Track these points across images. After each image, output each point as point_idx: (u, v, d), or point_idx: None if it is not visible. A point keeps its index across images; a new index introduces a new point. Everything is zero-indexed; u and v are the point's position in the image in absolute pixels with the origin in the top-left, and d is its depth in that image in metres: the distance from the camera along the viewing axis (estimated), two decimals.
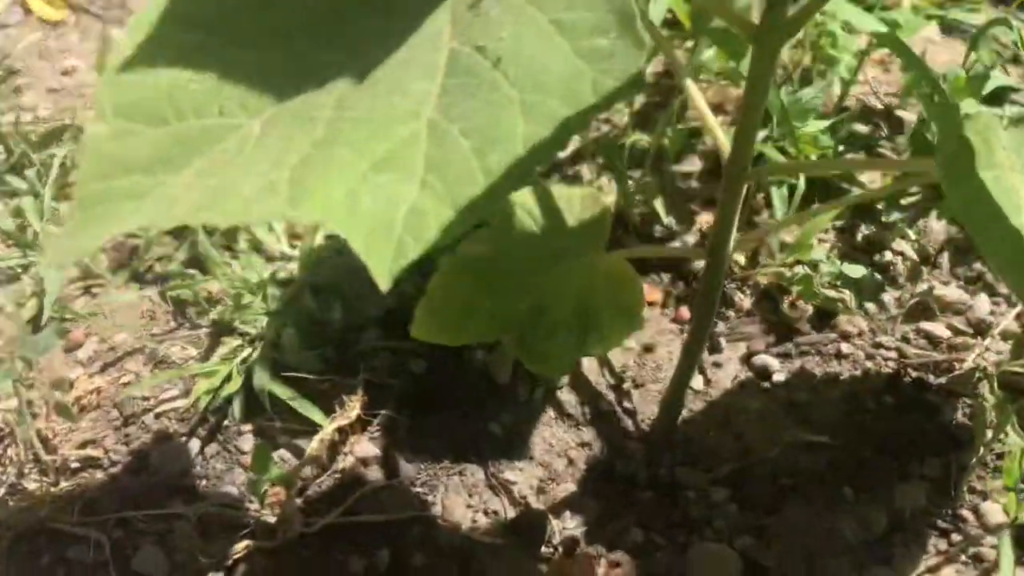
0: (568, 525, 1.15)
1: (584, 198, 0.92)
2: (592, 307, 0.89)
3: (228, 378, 1.17)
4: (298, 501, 1.10)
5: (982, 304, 1.33)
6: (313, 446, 1.04)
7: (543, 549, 1.12)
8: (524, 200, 0.93)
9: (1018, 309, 1.30)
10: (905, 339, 1.31)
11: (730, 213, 0.93)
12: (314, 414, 1.14)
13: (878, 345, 1.31)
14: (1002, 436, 1.15)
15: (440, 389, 1.22)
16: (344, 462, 1.15)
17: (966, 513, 1.13)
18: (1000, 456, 1.17)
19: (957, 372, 1.24)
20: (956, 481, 1.15)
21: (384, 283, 0.40)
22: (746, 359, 1.31)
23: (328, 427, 1.07)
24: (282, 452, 1.15)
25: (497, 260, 0.92)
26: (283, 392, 1.15)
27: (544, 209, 0.92)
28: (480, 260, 0.92)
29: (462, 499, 1.14)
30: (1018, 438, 1.08)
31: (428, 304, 0.91)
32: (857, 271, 1.34)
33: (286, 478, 1.04)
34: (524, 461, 1.20)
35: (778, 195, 1.38)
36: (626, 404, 1.28)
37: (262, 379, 1.15)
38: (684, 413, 1.26)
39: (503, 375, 1.25)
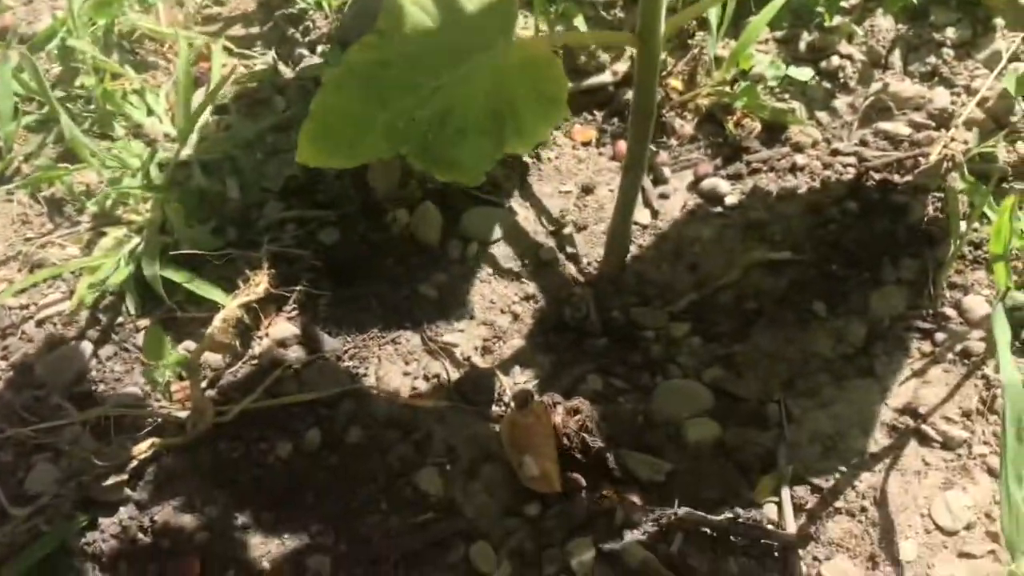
0: (519, 381, 1.03)
1: None
2: (507, 102, 0.76)
3: (115, 271, 1.03)
4: (211, 392, 0.97)
5: (941, 96, 1.22)
6: (216, 325, 0.90)
7: (493, 409, 1.00)
8: None
9: (979, 96, 1.19)
10: (863, 143, 1.20)
11: None
12: (215, 294, 1.00)
13: (835, 152, 1.19)
14: (977, 225, 1.05)
15: (360, 258, 1.09)
16: (259, 346, 1.02)
17: (948, 311, 1.03)
18: (978, 246, 1.07)
19: (923, 167, 1.14)
20: (934, 280, 1.05)
21: None
22: (694, 186, 1.19)
23: (231, 304, 0.93)
24: (188, 344, 1.02)
25: (388, 66, 0.77)
26: (178, 276, 1.01)
27: (439, 1, 0.78)
28: (369, 68, 0.77)
29: (398, 368, 1.02)
30: (996, 213, 0.97)
31: (312, 125, 0.77)
32: (805, 73, 1.22)
33: (188, 364, 0.90)
34: (464, 322, 1.08)
35: (711, 8, 1.24)
36: (569, 249, 1.15)
37: (152, 265, 1.01)
38: (633, 250, 1.14)
39: (431, 235, 1.12)
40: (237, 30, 1.38)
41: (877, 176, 1.15)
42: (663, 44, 0.86)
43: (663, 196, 1.20)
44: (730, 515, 0.89)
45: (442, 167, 0.75)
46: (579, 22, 1.24)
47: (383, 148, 0.75)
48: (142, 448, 0.89)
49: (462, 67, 0.77)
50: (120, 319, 1.03)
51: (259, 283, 0.98)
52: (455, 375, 1.02)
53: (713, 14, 1.23)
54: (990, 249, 0.80)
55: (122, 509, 0.88)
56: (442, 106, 0.76)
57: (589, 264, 1.14)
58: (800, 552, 0.86)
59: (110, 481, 0.86)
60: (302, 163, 0.77)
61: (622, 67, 1.29)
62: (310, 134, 0.76)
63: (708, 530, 0.88)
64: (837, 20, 1.30)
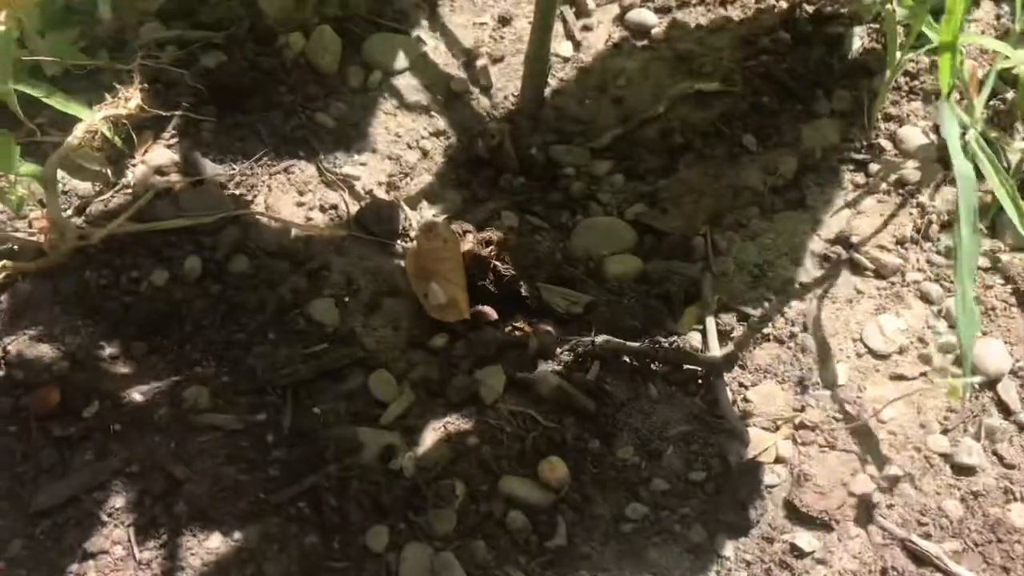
0: (426, 216, 0.94)
1: None
2: None
3: None
4: (79, 220, 0.86)
5: None
6: (77, 132, 0.79)
7: (397, 244, 0.91)
8: None
9: None
10: None
11: None
12: (79, 110, 0.88)
13: None
14: (913, 55, 0.99)
15: (248, 84, 0.97)
16: (133, 174, 0.90)
17: (883, 142, 0.98)
18: (914, 76, 1.01)
19: None
20: (869, 111, 0.99)
21: None
22: (619, 18, 1.10)
23: (94, 116, 0.82)
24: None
25: None
26: (36, 90, 0.88)
27: None
28: None
29: (290, 197, 0.92)
30: (935, 32, 0.91)
31: None
32: None
33: (44, 176, 0.78)
34: (366, 155, 0.98)
35: None
36: (483, 82, 1.06)
37: (5, 79, 0.88)
38: (552, 84, 1.06)
39: (328, 62, 1.01)
40: None
41: (811, 7, 1.08)
42: None
43: (586, 28, 1.11)
44: (650, 342, 0.82)
45: None
46: None
47: None
48: None
49: None
50: None
51: (130, 98, 0.87)
52: (355, 208, 0.92)
53: None
54: (939, 38, 0.73)
55: None
56: None
57: (506, 98, 1.05)
58: (725, 376, 0.80)
59: None
60: None
61: None
62: None
63: (627, 358, 0.82)
64: None
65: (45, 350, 0.76)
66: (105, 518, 0.70)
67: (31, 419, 0.74)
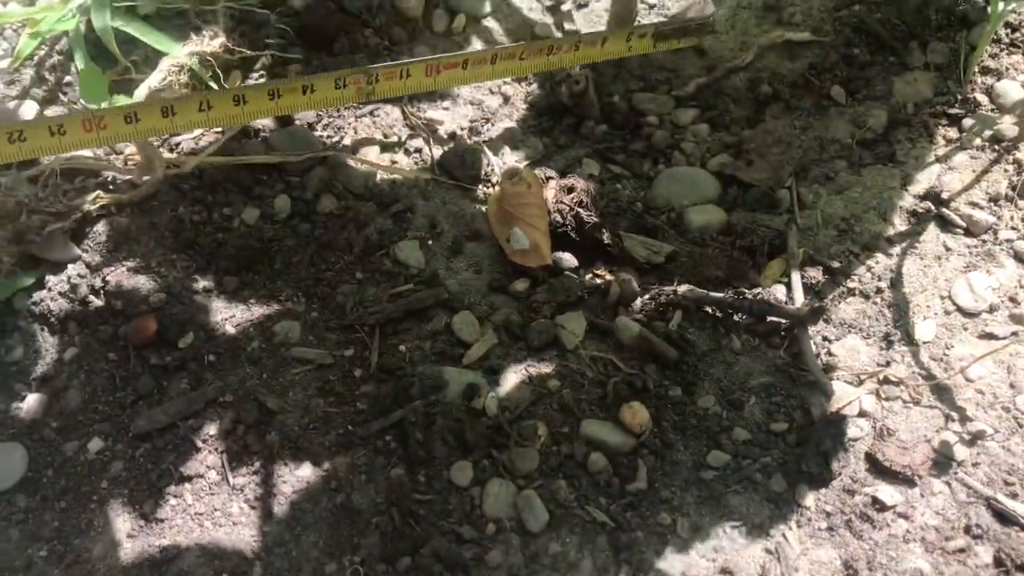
0: (508, 162, 0.94)
1: None
2: None
3: (61, 21, 0.92)
4: (170, 156, 0.88)
5: None
6: (163, 66, 0.80)
7: (480, 188, 0.92)
8: None
9: None
10: None
11: None
12: (169, 45, 0.90)
13: None
14: (1016, 5, 0.95)
15: (334, 25, 0.98)
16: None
17: (979, 96, 0.95)
18: (1016, 28, 0.97)
19: None
20: (966, 64, 0.96)
21: None
22: None
23: (181, 51, 0.83)
24: None
25: None
26: (131, 27, 0.90)
27: None
28: None
29: (376, 141, 0.93)
30: None
31: None
32: None
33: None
34: (449, 100, 0.98)
35: None
36: (567, 26, 1.05)
37: (102, 16, 0.90)
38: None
39: (413, 5, 1.01)
40: None
41: None
42: None
43: None
44: (734, 293, 0.82)
45: None
46: None
47: None
48: (87, 200, 0.80)
49: None
50: (68, 78, 0.93)
51: (215, 35, 0.88)
52: (438, 152, 0.93)
53: None
54: None
55: (70, 268, 0.80)
56: None
57: None
58: (809, 329, 0.80)
59: (51, 228, 0.78)
60: None
61: None
62: None
63: (710, 308, 0.82)
64: None
65: (142, 281, 0.79)
66: (200, 444, 0.73)
67: (129, 347, 0.77)
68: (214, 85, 0.91)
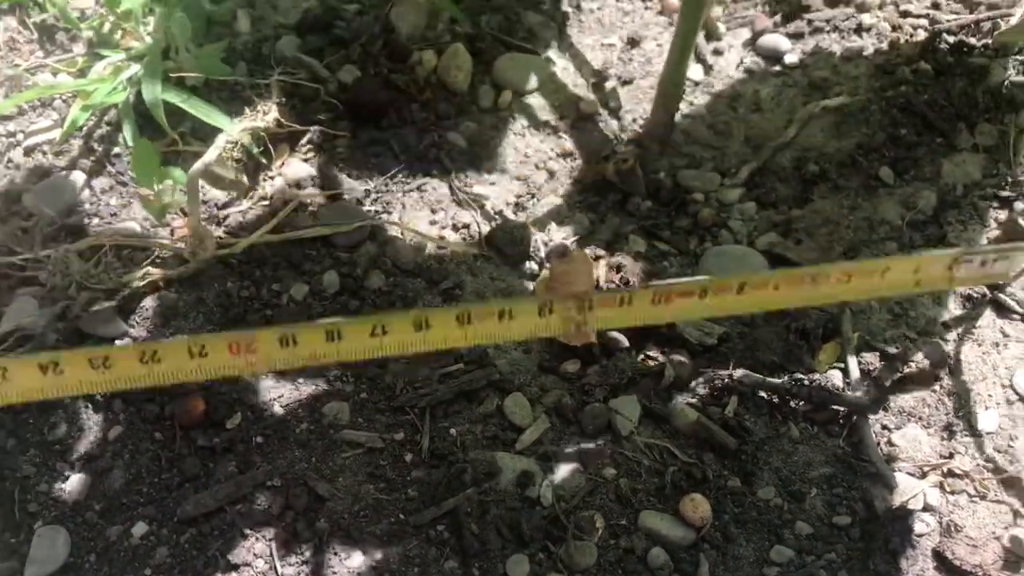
0: (555, 238, 0.94)
1: None
2: None
3: (112, 93, 0.92)
4: (218, 231, 0.87)
5: None
6: (218, 143, 0.80)
7: (527, 264, 0.91)
8: None
9: None
10: (935, 5, 1.10)
11: None
12: (220, 120, 0.90)
13: (905, 14, 1.09)
14: None
15: (382, 100, 0.98)
16: (271, 186, 0.92)
17: None
18: None
19: (1005, 28, 1.03)
20: (1015, 145, 0.95)
21: None
22: (751, 43, 1.09)
23: (234, 127, 0.83)
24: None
25: None
26: (180, 98, 0.90)
27: None
28: None
29: (424, 215, 0.92)
30: None
31: None
32: None
33: (187, 183, 0.80)
34: (496, 175, 0.98)
35: None
36: (612, 104, 1.05)
37: (153, 89, 0.90)
38: (683, 108, 1.04)
39: (460, 80, 1.02)
40: None
41: (952, 39, 1.05)
42: None
43: (717, 52, 1.09)
44: (791, 379, 0.80)
45: None
46: None
47: None
48: (136, 276, 0.79)
49: None
50: (117, 150, 0.93)
51: (268, 111, 0.88)
52: (485, 227, 0.92)
53: None
54: None
55: (117, 343, 0.78)
56: None
57: (634, 121, 1.04)
58: (870, 418, 0.78)
59: (99, 307, 0.77)
60: None
61: None
62: None
63: (767, 394, 0.80)
64: None
65: None
66: (248, 531, 0.71)
67: (176, 427, 0.75)
68: (264, 160, 0.91)
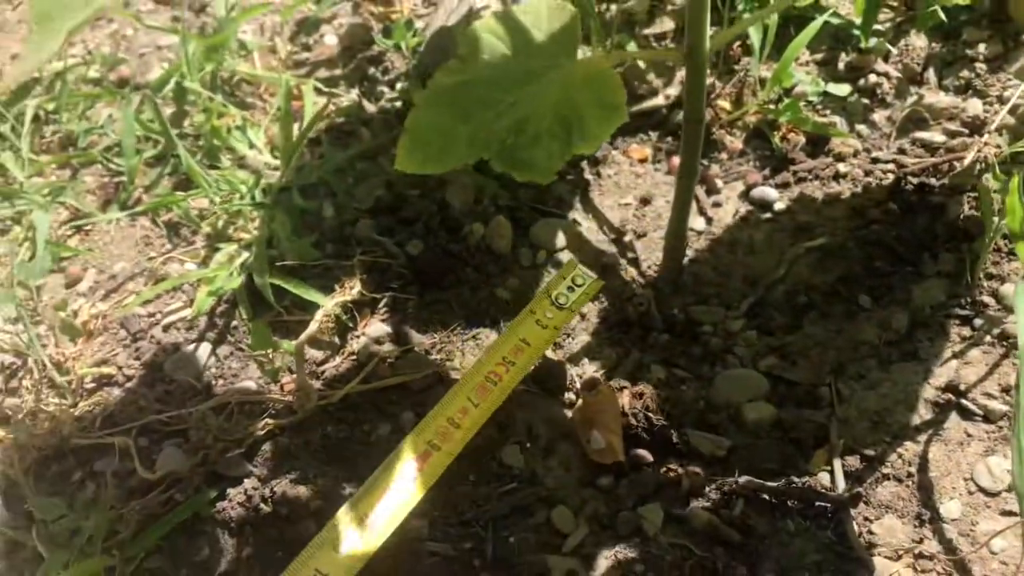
0: (587, 371, 1.14)
1: (551, 9, 0.90)
2: (573, 111, 0.88)
3: (229, 280, 1.17)
4: (317, 384, 1.09)
5: (974, 106, 1.31)
6: (317, 318, 1.03)
7: (565, 395, 1.11)
8: (489, 25, 0.92)
9: (1011, 103, 1.28)
10: (901, 151, 1.30)
11: (699, 10, 0.92)
12: (316, 296, 1.13)
13: (875, 160, 1.29)
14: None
15: (441, 266, 1.21)
16: (357, 344, 1.14)
17: (986, 299, 1.11)
18: (1012, 239, 1.15)
19: (958, 170, 1.23)
20: (972, 271, 1.13)
21: None
22: (744, 195, 1.30)
23: (328, 303, 1.06)
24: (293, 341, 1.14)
25: (470, 86, 0.90)
26: (284, 282, 1.14)
27: (510, 29, 0.91)
28: (453, 89, 0.90)
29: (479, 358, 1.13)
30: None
31: (407, 139, 0.90)
32: (843, 89, 1.32)
33: (295, 351, 1.03)
34: None
35: (754, 32, 1.36)
36: (630, 255, 1.26)
37: (261, 274, 1.15)
38: (689, 253, 1.25)
39: (503, 244, 1.24)
40: (323, 72, 1.54)
41: (915, 180, 1.24)
42: (708, 61, 0.97)
43: (716, 205, 1.30)
44: (786, 481, 0.98)
45: (519, 167, 0.87)
46: (631, 47, 1.36)
47: (467, 155, 0.88)
48: (258, 427, 1.02)
49: (534, 84, 0.90)
50: (235, 323, 1.17)
51: (353, 286, 1.12)
52: (531, 367, 1.13)
53: (755, 37, 1.35)
54: (1009, 229, 0.89)
55: (246, 482, 1.00)
56: (518, 117, 0.89)
57: (649, 268, 1.25)
58: (852, 511, 0.95)
59: (231, 454, 0.99)
60: (400, 170, 0.90)
61: (673, 91, 1.41)
62: (406, 146, 0.90)
63: (767, 496, 0.97)
64: (872, 41, 1.40)
65: (302, 491, 0.99)
66: None
67: (294, 545, 0.96)
68: (350, 324, 1.13)
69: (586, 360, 1.15)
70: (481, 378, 0.97)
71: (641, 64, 1.37)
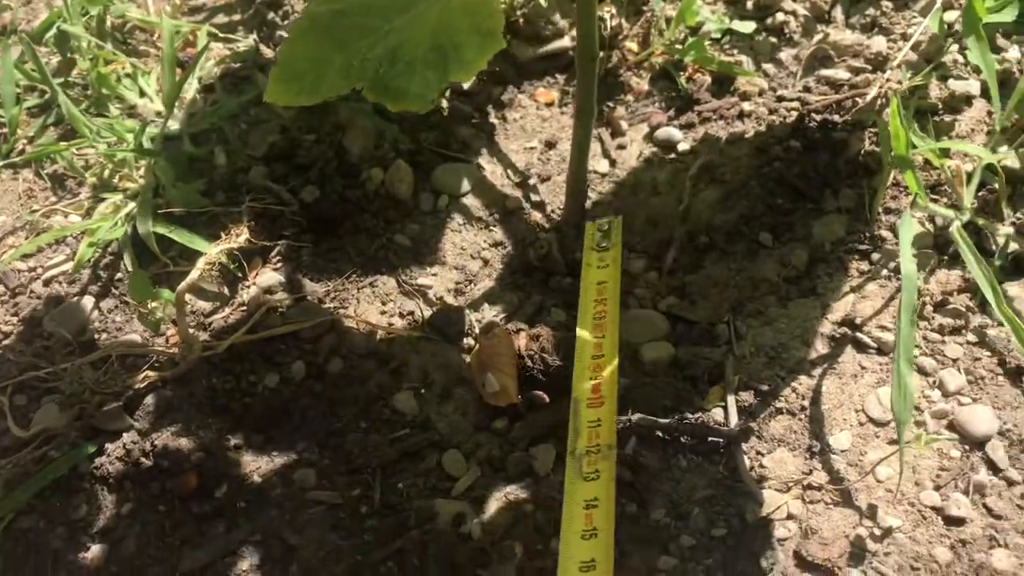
0: (488, 316, 1.11)
1: None
2: (449, 38, 0.84)
3: (113, 230, 1.12)
4: (204, 335, 1.06)
5: (878, 43, 1.30)
6: (199, 265, 0.99)
7: (464, 341, 1.08)
8: None
9: (913, 40, 1.27)
10: (807, 88, 1.28)
11: None
12: (200, 244, 1.09)
13: (780, 99, 1.28)
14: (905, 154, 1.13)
15: (338, 213, 1.17)
16: (247, 294, 1.10)
17: (884, 233, 1.11)
18: (898, 166, 1.14)
19: (860, 106, 1.22)
20: (870, 206, 1.12)
21: None
22: (649, 136, 1.28)
23: (212, 250, 1.02)
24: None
25: (345, 15, 0.86)
26: (168, 230, 1.10)
27: None
28: (329, 17, 0.86)
29: (375, 307, 1.10)
30: (920, 139, 1.05)
31: (279, 70, 0.86)
32: (747, 26, 1.30)
33: (175, 299, 0.98)
34: (437, 267, 1.17)
35: None
36: (534, 198, 1.24)
37: (146, 223, 1.10)
38: (593, 196, 1.23)
39: (403, 190, 1.21)
40: (221, 18, 1.48)
41: (818, 117, 1.23)
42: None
43: (620, 147, 1.28)
44: (679, 418, 0.97)
45: (392, 97, 0.84)
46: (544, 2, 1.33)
47: (341, 85, 0.84)
48: (138, 379, 0.98)
49: (411, 11, 0.86)
50: (119, 275, 1.12)
51: (240, 233, 1.07)
52: (428, 313, 1.10)
53: None
54: (895, 155, 0.88)
55: (125, 436, 0.96)
56: (392, 44, 0.85)
57: (553, 212, 1.23)
58: (743, 446, 0.94)
59: (109, 407, 0.95)
60: (271, 102, 0.86)
61: None
62: (278, 77, 0.86)
63: (659, 432, 0.96)
64: None
65: (184, 443, 0.95)
66: None
67: (175, 499, 0.93)
68: (239, 273, 1.09)
69: (487, 305, 1.13)
70: (590, 319, 1.03)
71: (543, 2, 1.33)
